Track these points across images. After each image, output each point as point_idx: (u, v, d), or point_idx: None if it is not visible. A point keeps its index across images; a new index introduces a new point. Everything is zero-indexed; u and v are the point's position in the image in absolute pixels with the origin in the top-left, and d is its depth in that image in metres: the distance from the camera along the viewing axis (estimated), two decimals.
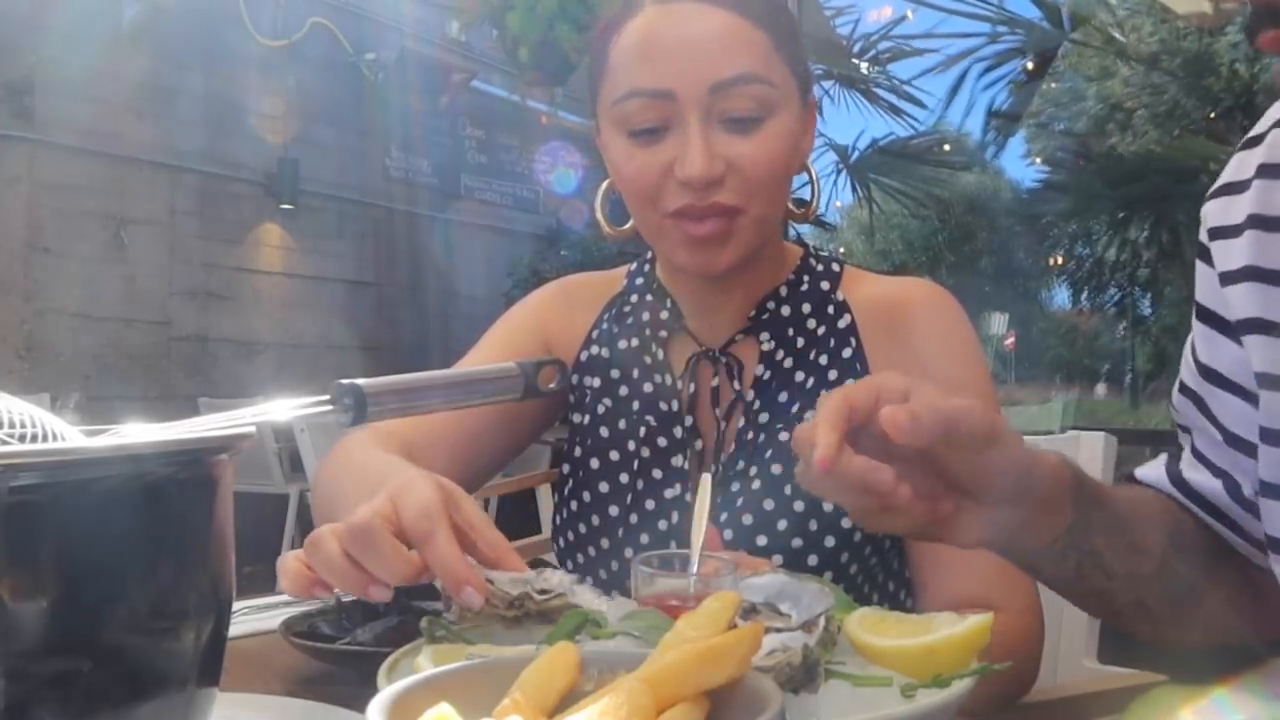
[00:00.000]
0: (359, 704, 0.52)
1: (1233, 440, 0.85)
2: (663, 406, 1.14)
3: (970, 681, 0.62)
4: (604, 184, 1.17)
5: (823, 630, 0.65)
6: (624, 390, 1.17)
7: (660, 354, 1.16)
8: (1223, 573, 0.89)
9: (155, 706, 0.53)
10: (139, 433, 0.59)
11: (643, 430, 1.14)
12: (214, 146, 6.81)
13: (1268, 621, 0.91)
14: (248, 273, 7.11)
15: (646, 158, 1.05)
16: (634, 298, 1.21)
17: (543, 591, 0.75)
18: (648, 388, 1.16)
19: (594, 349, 1.21)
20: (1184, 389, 0.91)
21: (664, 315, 1.17)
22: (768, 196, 1.06)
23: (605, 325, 1.22)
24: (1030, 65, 8.04)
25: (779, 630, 0.64)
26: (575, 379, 1.20)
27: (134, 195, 6.38)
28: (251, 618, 1.06)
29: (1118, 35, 8.76)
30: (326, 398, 0.79)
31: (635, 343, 1.18)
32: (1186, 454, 0.92)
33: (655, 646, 0.53)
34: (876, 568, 1.09)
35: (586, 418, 1.19)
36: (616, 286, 1.24)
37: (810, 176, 1.17)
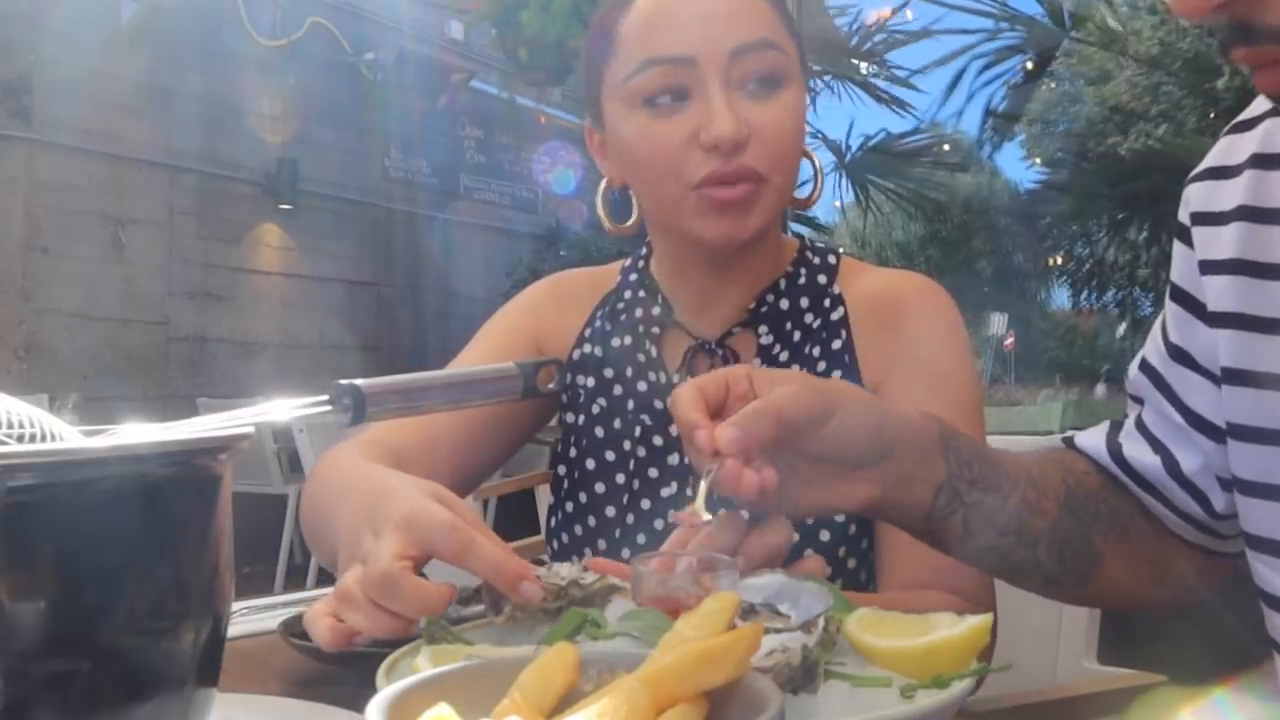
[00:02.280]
0: (358, 704, 0.52)
1: (1196, 422, 0.85)
2: (658, 404, 1.13)
3: (970, 682, 0.62)
4: (605, 180, 1.16)
5: (822, 631, 0.65)
6: (618, 389, 1.17)
7: (653, 351, 1.15)
8: (1127, 539, 0.90)
9: (154, 707, 0.53)
10: (137, 433, 0.59)
11: (638, 429, 1.13)
12: (213, 146, 6.81)
13: (1169, 592, 0.94)
14: (246, 273, 7.12)
15: (667, 129, 1.04)
16: (627, 294, 1.20)
17: (579, 579, 0.76)
18: (642, 386, 1.15)
19: (587, 347, 1.20)
20: (1145, 366, 0.91)
21: (655, 311, 1.16)
22: (788, 166, 1.06)
23: (599, 323, 1.20)
24: (1030, 64, 8.03)
25: (778, 631, 0.64)
26: (569, 378, 1.19)
27: (132, 195, 6.38)
28: (250, 618, 1.06)
29: (1118, 26, 8.73)
30: (325, 398, 0.79)
31: (628, 340, 1.17)
32: (1129, 425, 0.93)
33: (654, 647, 0.53)
34: (875, 563, 1.09)
35: (581, 418, 1.18)
36: (610, 283, 1.23)
37: (813, 164, 1.18)
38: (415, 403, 0.87)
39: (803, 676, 0.61)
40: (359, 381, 0.81)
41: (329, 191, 7.57)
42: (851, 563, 1.07)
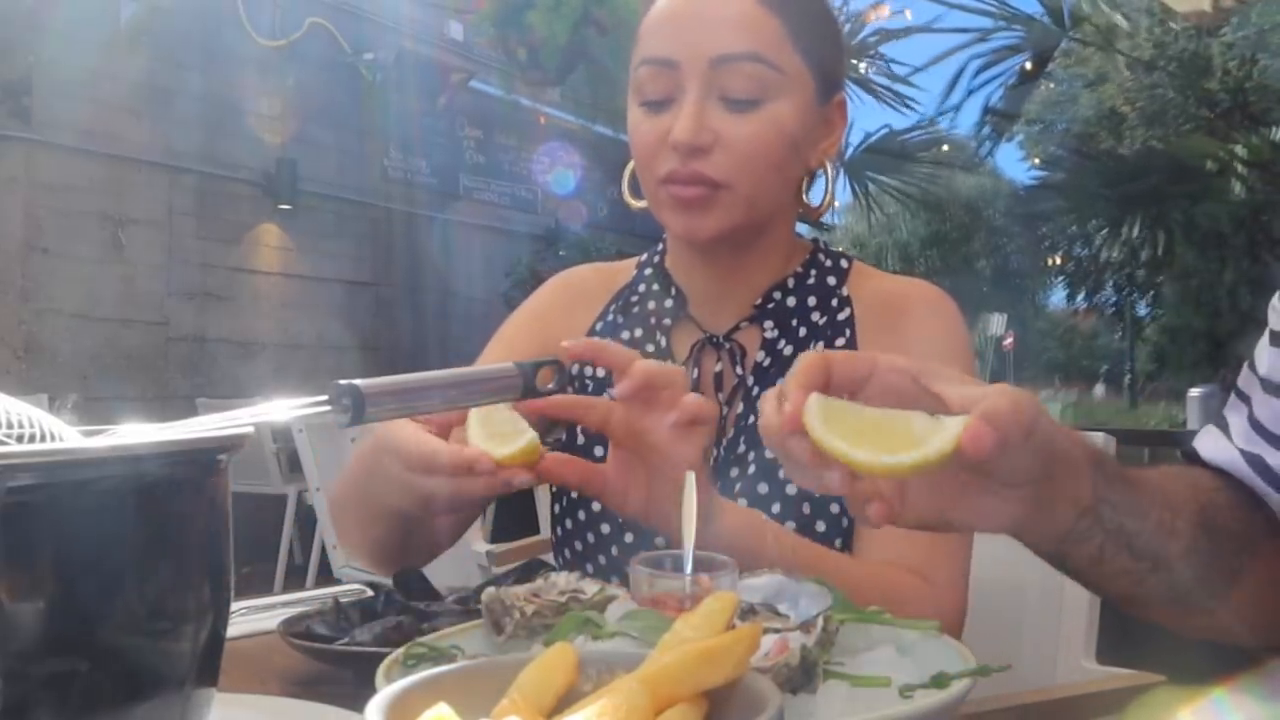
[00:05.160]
0: (358, 704, 0.52)
1: None
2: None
3: (969, 682, 0.62)
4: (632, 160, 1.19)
5: (821, 630, 0.65)
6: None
7: (664, 342, 1.17)
8: (1258, 556, 0.84)
9: (153, 707, 0.53)
10: (137, 433, 0.59)
11: None
12: (212, 146, 6.81)
13: None
14: (246, 273, 7.11)
15: (650, 125, 1.10)
16: (641, 288, 1.22)
17: (579, 591, 0.76)
18: None
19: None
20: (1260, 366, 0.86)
21: (668, 304, 1.19)
22: (755, 178, 1.08)
23: (611, 316, 1.23)
24: (1029, 64, 8.03)
25: (777, 631, 0.64)
26: (577, 368, 1.20)
27: (132, 195, 6.37)
28: (250, 618, 1.06)
29: (1120, 22, 8.73)
30: (324, 398, 0.79)
31: (639, 333, 1.19)
32: (1244, 427, 0.88)
33: (653, 647, 0.53)
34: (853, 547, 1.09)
35: None
36: (625, 278, 1.25)
37: (827, 176, 1.19)
38: (414, 403, 0.86)
39: (802, 676, 0.61)
40: (358, 381, 0.81)
41: (328, 192, 7.57)
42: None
